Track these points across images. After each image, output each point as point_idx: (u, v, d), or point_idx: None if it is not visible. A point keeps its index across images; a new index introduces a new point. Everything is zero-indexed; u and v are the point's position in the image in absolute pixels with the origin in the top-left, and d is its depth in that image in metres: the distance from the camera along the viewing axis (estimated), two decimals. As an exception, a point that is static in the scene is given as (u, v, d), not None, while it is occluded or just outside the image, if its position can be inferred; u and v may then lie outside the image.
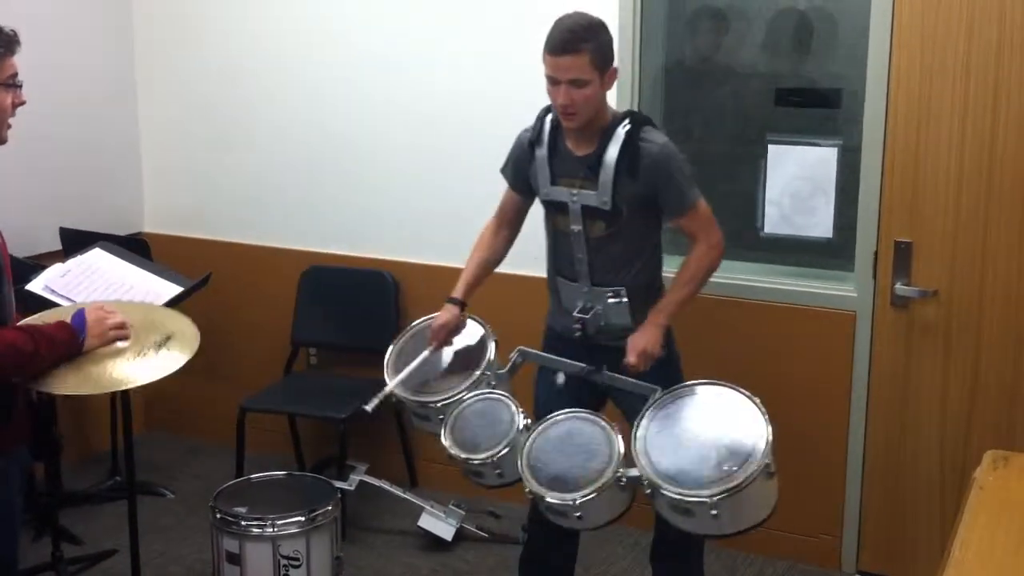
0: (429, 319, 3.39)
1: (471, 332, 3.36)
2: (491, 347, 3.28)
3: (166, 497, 4.59)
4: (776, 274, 4.00)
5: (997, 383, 3.66)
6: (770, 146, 3.88)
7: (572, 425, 2.98)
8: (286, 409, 4.56)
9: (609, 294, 3.20)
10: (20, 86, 2.68)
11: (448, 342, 3.34)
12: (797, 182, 3.85)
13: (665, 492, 2.72)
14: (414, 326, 3.47)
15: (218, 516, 3.45)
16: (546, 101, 3.20)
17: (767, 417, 2.80)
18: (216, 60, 4.82)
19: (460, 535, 4.20)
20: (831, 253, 3.95)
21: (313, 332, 4.72)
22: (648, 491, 2.77)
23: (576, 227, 3.18)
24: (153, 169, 5.07)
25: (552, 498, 2.82)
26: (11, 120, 2.67)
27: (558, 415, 3.01)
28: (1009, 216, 3.56)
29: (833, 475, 3.94)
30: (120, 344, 2.77)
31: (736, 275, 4.00)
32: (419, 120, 4.43)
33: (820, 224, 3.85)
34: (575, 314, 3.21)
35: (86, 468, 4.70)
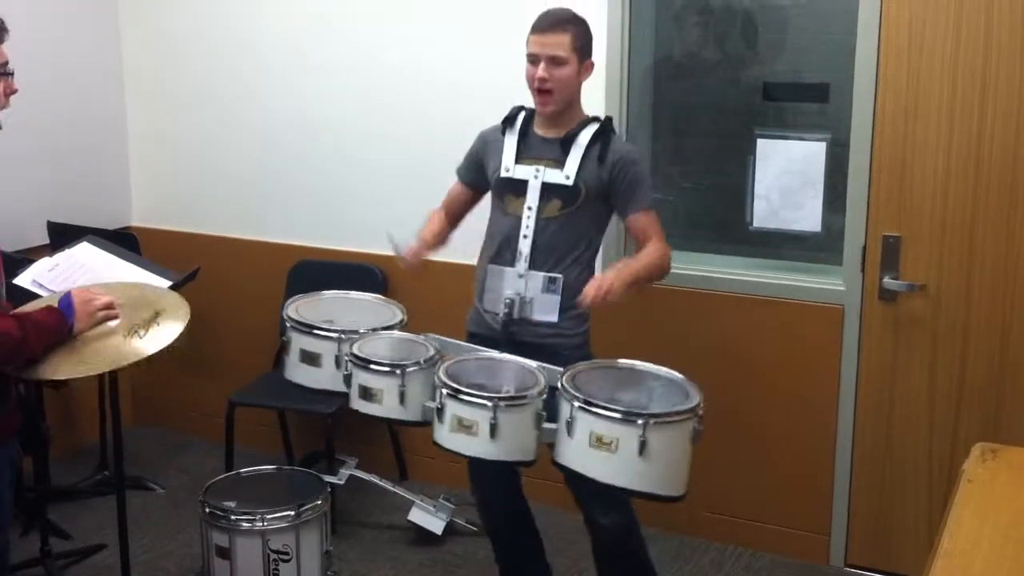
0: (340, 292, 3.51)
1: (391, 311, 3.38)
2: (401, 316, 3.32)
3: (155, 491, 4.59)
4: (764, 268, 4.01)
5: (984, 376, 3.68)
6: (758, 140, 3.89)
7: (499, 361, 3.00)
8: (275, 403, 4.55)
9: (544, 281, 3.24)
10: (12, 74, 2.67)
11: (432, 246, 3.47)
12: (786, 176, 3.86)
13: (598, 410, 2.64)
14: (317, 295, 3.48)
15: (207, 510, 3.45)
16: (529, 100, 3.25)
17: (697, 387, 2.81)
18: (204, 55, 4.81)
19: (450, 529, 4.21)
20: (819, 247, 3.96)
21: (302, 326, 4.71)
22: (569, 419, 2.68)
23: (531, 204, 3.26)
24: (141, 163, 5.06)
25: (471, 389, 2.74)
26: (4, 110, 2.66)
27: (485, 351, 3.06)
28: (996, 210, 3.58)
29: (821, 469, 3.96)
30: (111, 324, 2.76)
31: (724, 269, 4.01)
32: (408, 115, 4.42)
33: (808, 218, 3.86)
34: (505, 295, 3.26)
35: (74, 462, 4.69)
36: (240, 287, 4.86)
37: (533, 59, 3.21)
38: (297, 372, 3.20)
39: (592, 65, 3.29)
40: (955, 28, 3.53)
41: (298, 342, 3.16)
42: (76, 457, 4.74)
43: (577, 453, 2.71)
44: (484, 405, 2.72)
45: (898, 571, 3.89)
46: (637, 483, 2.68)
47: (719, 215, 4.23)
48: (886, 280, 3.74)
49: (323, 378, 3.13)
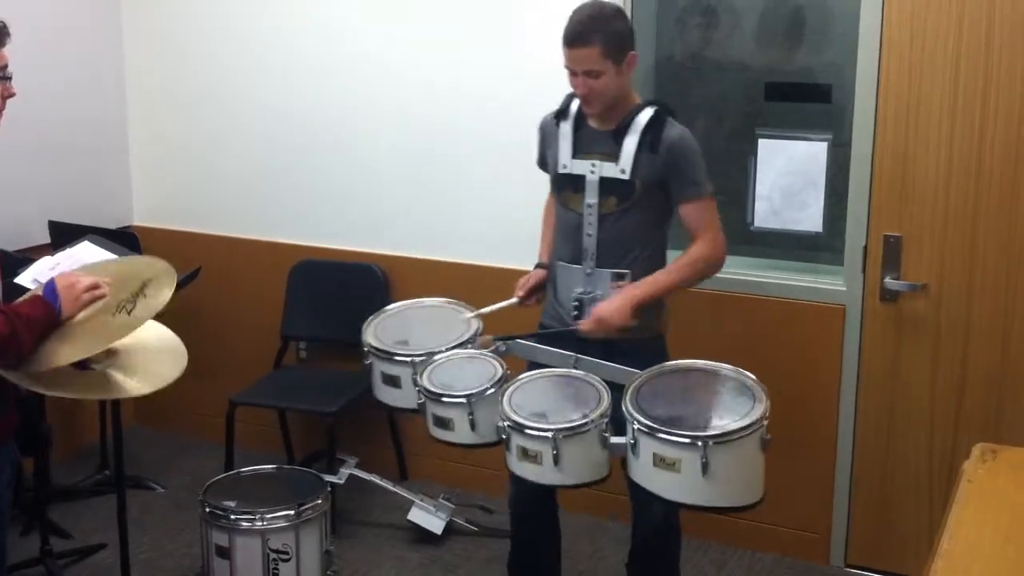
0: (412, 302, 3.44)
1: (462, 317, 3.33)
2: (476, 324, 3.26)
3: (155, 491, 4.58)
4: (766, 268, 4.01)
5: (985, 376, 3.67)
6: (760, 140, 3.89)
7: (561, 379, 2.97)
8: (276, 403, 4.55)
9: (612, 278, 3.19)
10: (10, 78, 2.67)
11: (530, 298, 3.36)
12: (787, 176, 3.85)
13: (659, 435, 2.62)
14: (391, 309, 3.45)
15: (207, 510, 3.45)
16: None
17: (761, 384, 2.78)
18: (205, 55, 4.80)
19: (450, 529, 4.20)
20: (821, 247, 3.96)
21: (303, 326, 4.71)
22: (633, 441, 2.68)
23: (590, 201, 3.19)
24: (142, 162, 5.06)
25: (529, 421, 2.73)
26: (2, 112, 2.66)
27: (547, 370, 3.01)
28: (997, 210, 3.58)
29: (822, 468, 3.96)
30: (100, 303, 2.74)
31: (726, 269, 3.96)
32: (409, 115, 4.42)
33: (810, 218, 3.86)
34: (574, 293, 3.21)
35: (75, 462, 4.69)
36: (241, 287, 4.86)
37: (570, 71, 3.12)
38: (382, 392, 3.22)
39: (634, 57, 3.14)
40: (956, 28, 3.53)
41: (378, 366, 3.18)
42: (77, 457, 4.73)
43: (643, 471, 2.70)
44: (544, 438, 2.72)
45: (898, 571, 3.89)
46: (703, 499, 2.67)
47: (720, 215, 4.21)
48: (887, 280, 3.74)
49: (406, 398, 3.13)
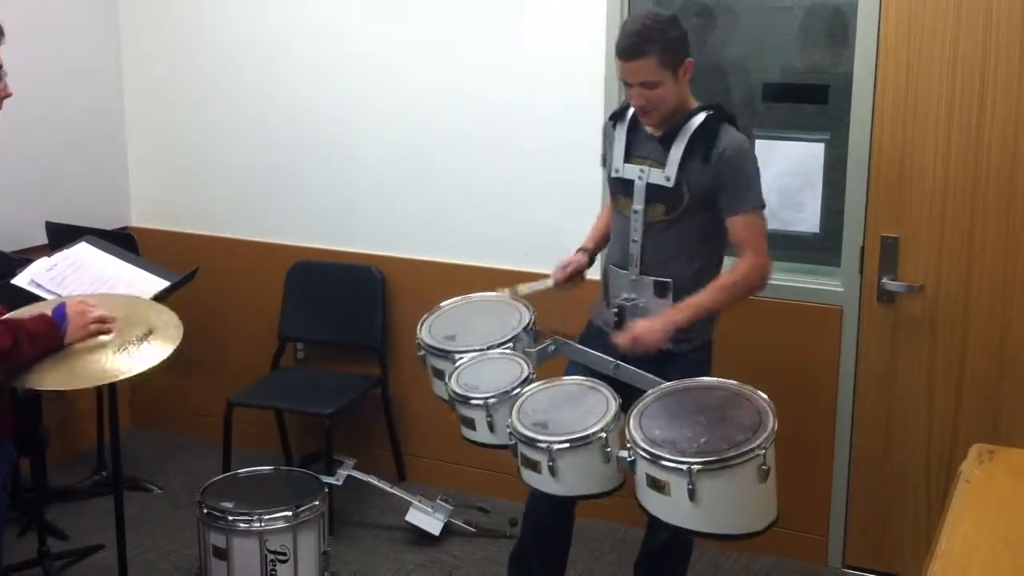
0: (475, 295, 3.39)
1: (516, 313, 3.27)
2: (528, 318, 3.21)
3: (153, 492, 4.58)
4: (763, 269, 4.01)
5: (983, 377, 3.68)
6: (757, 141, 3.88)
7: (577, 388, 2.93)
8: (273, 404, 4.55)
9: (654, 286, 3.16)
10: (4, 78, 2.67)
11: (567, 284, 3.31)
12: (784, 177, 3.85)
13: (643, 454, 2.59)
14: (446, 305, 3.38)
15: (205, 511, 3.45)
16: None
17: (774, 412, 2.68)
18: (203, 55, 4.80)
19: (448, 530, 4.20)
20: (818, 248, 3.96)
21: (300, 327, 4.71)
22: (631, 459, 2.64)
23: (637, 207, 3.16)
24: (140, 163, 5.06)
25: (528, 432, 2.72)
26: None
27: (566, 378, 2.98)
28: (995, 211, 3.58)
29: (820, 469, 3.96)
30: (103, 338, 2.75)
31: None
32: (406, 116, 4.42)
33: (807, 219, 3.86)
34: (618, 299, 3.19)
35: (72, 463, 4.68)
36: (238, 288, 4.85)
37: (626, 83, 3.06)
38: (436, 387, 3.20)
39: (691, 63, 3.08)
40: (954, 29, 3.53)
41: (429, 360, 3.17)
42: (74, 458, 4.73)
43: (640, 489, 2.68)
44: (541, 449, 2.71)
45: (896, 572, 3.89)
46: (691, 524, 2.62)
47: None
48: (885, 281, 3.74)
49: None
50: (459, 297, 3.39)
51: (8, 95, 2.69)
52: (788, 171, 3.84)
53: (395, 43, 4.40)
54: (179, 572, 3.98)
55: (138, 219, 5.07)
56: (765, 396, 2.75)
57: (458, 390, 2.96)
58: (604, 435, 2.70)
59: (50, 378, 2.65)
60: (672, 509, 2.60)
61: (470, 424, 2.96)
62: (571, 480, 2.74)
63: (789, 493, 3.96)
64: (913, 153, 3.65)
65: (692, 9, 4.17)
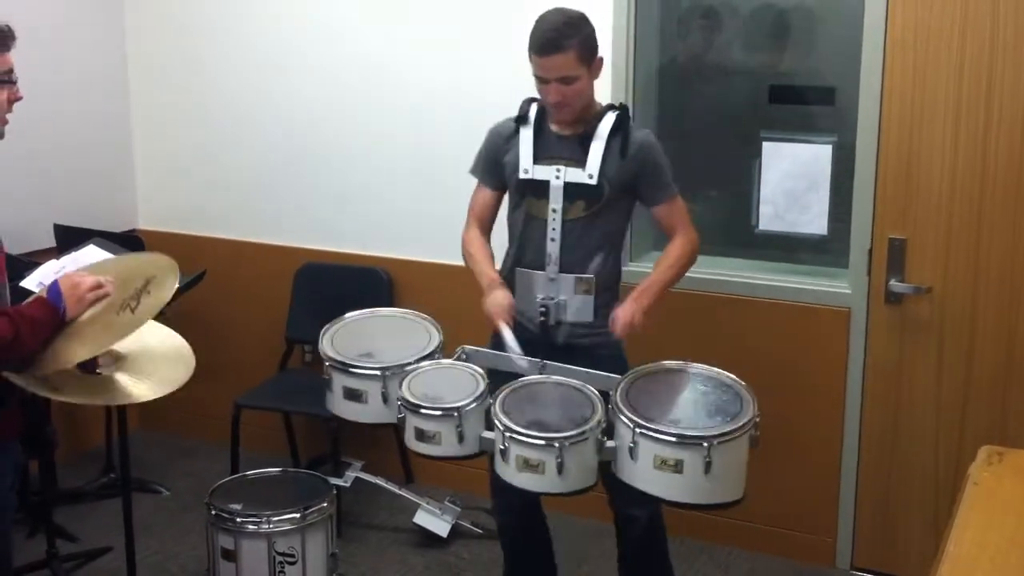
0: (362, 313, 3.35)
1: (417, 328, 3.26)
2: (437, 335, 3.18)
3: (161, 494, 4.59)
4: (770, 271, 4.01)
5: (990, 379, 3.67)
6: (764, 143, 3.88)
7: (546, 386, 2.93)
8: (281, 406, 4.56)
9: (576, 283, 3.19)
10: (15, 82, 2.67)
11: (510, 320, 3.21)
12: (791, 179, 3.85)
13: (660, 435, 2.62)
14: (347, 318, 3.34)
15: (213, 513, 3.46)
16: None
17: (746, 386, 2.82)
18: (210, 58, 4.81)
19: (455, 532, 4.21)
20: (825, 250, 3.96)
21: (308, 329, 4.68)
22: (632, 444, 2.65)
23: (555, 206, 3.19)
24: (147, 166, 5.07)
25: (533, 438, 2.68)
26: (7, 116, 2.66)
27: (531, 378, 2.97)
28: (1002, 213, 3.57)
29: (828, 471, 3.95)
30: (103, 303, 2.74)
31: (730, 272, 4.01)
32: (413, 117, 4.43)
33: (814, 221, 3.86)
34: (539, 298, 3.20)
35: (80, 465, 4.70)
36: (246, 290, 4.86)
37: (542, 80, 3.10)
38: (342, 407, 3.07)
39: (601, 60, 3.15)
40: (961, 31, 3.53)
41: (339, 380, 3.03)
42: (82, 460, 4.74)
43: (642, 474, 2.69)
44: (550, 447, 2.67)
45: (904, 574, 3.88)
46: (704, 498, 2.70)
47: (725, 218, 4.23)
48: (892, 283, 3.74)
49: (370, 413, 3.02)
50: (359, 311, 3.37)
51: (19, 99, 2.69)
52: (795, 173, 3.84)
53: (399, 43, 4.41)
54: (187, 574, 3.99)
55: (145, 221, 5.08)
56: (719, 368, 2.91)
57: (415, 400, 2.85)
58: (602, 426, 2.74)
59: (70, 352, 2.63)
60: (682, 487, 2.67)
61: (428, 438, 2.85)
62: (572, 476, 2.72)
63: (797, 494, 3.98)
64: (920, 155, 3.65)
65: (699, 10, 4.17)
